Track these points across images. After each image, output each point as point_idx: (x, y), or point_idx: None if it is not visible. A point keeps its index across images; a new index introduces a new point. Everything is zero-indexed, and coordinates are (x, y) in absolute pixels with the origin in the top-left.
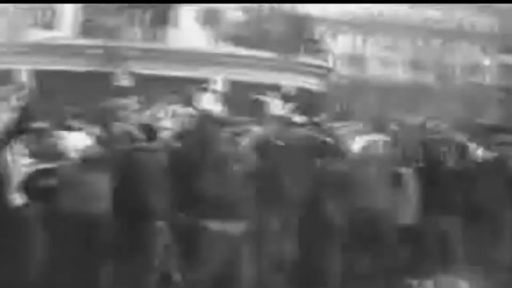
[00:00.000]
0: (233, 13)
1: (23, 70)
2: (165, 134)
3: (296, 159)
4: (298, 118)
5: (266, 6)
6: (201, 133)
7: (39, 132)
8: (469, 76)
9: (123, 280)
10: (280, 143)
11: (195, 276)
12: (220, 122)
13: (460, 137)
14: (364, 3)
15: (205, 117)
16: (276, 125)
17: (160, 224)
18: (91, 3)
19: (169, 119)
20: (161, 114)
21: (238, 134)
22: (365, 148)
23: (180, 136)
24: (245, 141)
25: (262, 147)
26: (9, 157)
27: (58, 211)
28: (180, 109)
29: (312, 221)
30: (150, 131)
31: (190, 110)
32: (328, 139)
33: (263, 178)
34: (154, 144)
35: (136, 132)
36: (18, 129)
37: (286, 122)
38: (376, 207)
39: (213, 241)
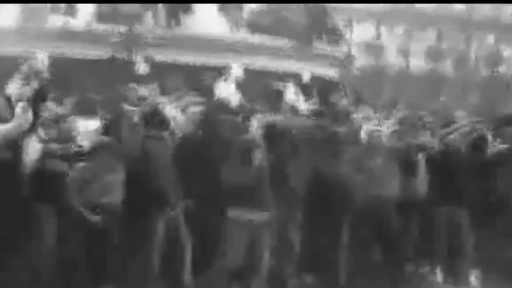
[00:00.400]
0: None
1: (41, 56)
2: (179, 123)
3: (304, 148)
4: (310, 107)
5: None
6: (213, 123)
7: (56, 118)
8: (489, 66)
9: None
10: (289, 131)
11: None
12: (233, 111)
13: (479, 127)
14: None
15: (219, 107)
16: (288, 114)
17: (175, 213)
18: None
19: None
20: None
21: (248, 121)
22: (374, 135)
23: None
24: (254, 128)
25: (271, 135)
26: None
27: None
28: (194, 98)
29: (322, 209)
30: (164, 120)
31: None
32: (340, 129)
33: (272, 167)
34: (167, 133)
35: (149, 120)
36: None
37: (298, 111)
38: (386, 195)
39: (237, 230)
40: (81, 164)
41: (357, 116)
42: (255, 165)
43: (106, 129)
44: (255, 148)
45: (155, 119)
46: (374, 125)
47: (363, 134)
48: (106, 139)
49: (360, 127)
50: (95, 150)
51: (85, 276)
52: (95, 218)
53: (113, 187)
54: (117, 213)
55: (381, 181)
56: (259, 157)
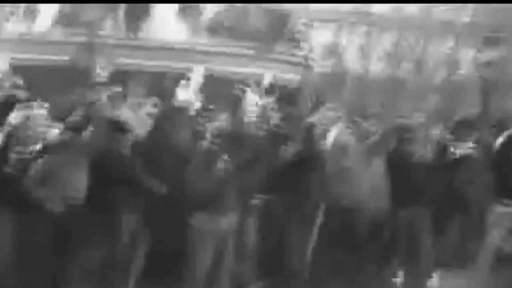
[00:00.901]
0: (212, 4)
1: (2, 63)
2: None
3: (264, 153)
4: (271, 112)
5: None
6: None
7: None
8: (448, 69)
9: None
10: (248, 136)
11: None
12: (193, 116)
13: (437, 131)
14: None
15: (179, 111)
16: (246, 117)
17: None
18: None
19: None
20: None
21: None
22: (338, 139)
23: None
24: (210, 131)
25: (230, 140)
26: None
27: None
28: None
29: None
30: (123, 126)
31: (163, 103)
32: (296, 132)
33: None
34: (127, 139)
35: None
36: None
37: (258, 114)
38: (351, 199)
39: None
40: (40, 161)
41: (320, 120)
42: (217, 171)
43: (72, 127)
44: (216, 153)
45: (113, 124)
46: (340, 130)
47: (329, 137)
48: (67, 136)
49: (326, 131)
50: (55, 147)
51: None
52: (58, 208)
53: (76, 183)
54: (79, 208)
55: (350, 184)
56: (221, 162)
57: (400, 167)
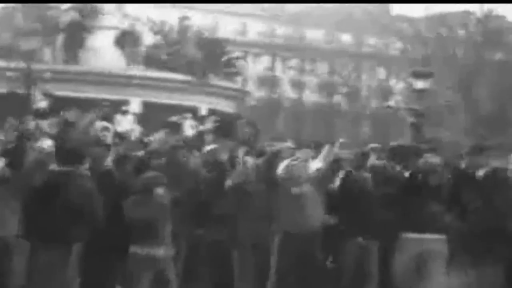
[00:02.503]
0: (149, 36)
1: None
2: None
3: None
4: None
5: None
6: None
7: None
8: (381, 99)
9: None
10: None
11: None
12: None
13: (373, 160)
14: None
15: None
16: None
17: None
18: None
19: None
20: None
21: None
22: (287, 169)
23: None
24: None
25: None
26: None
27: None
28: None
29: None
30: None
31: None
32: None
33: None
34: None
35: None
36: None
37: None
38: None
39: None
40: None
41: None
42: (156, 201)
43: (9, 163)
44: (157, 184)
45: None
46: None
47: (280, 167)
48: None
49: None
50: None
51: None
52: None
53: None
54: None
55: (303, 212)
56: (161, 193)
57: (349, 196)
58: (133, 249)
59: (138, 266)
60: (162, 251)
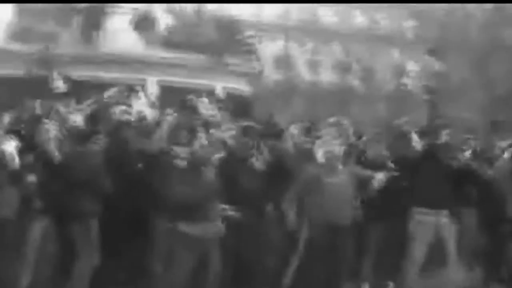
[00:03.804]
0: (165, 17)
1: None
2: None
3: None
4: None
5: (194, 8)
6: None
7: None
8: (394, 79)
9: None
10: None
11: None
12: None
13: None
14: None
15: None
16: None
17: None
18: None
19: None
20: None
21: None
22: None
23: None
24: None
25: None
26: None
27: None
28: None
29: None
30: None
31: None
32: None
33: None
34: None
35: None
36: None
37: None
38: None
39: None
40: None
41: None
42: (205, 180)
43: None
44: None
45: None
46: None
47: (318, 154)
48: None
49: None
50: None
51: None
52: None
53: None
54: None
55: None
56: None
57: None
58: (181, 227)
59: (184, 246)
60: (210, 232)
